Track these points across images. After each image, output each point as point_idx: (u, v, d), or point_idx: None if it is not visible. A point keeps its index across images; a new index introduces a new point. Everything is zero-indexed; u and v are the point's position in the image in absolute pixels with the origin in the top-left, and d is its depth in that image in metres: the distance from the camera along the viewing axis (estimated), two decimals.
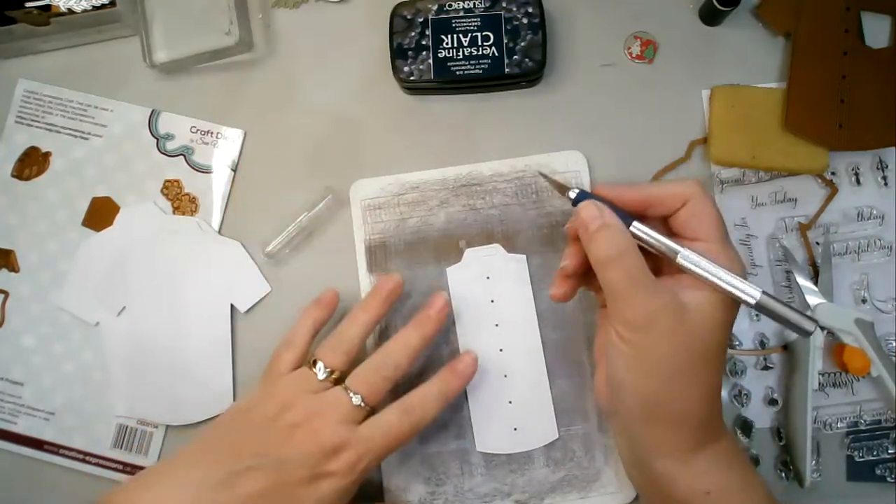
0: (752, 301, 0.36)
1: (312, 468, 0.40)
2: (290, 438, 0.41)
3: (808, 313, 0.47)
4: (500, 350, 0.48)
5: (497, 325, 0.49)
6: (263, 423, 0.42)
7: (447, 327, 0.49)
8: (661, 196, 0.39)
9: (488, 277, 0.49)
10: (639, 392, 0.38)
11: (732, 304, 0.38)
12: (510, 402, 0.48)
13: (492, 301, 0.49)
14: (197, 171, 0.52)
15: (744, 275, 0.37)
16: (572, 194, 0.40)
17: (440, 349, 0.49)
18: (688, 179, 0.40)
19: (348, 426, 0.42)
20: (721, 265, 0.37)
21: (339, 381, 0.44)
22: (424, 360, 0.49)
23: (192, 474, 0.40)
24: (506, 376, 0.48)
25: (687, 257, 0.37)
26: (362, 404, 0.42)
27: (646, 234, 0.38)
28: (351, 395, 0.42)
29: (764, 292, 0.36)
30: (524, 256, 0.49)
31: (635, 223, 0.39)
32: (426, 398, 0.44)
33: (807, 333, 0.36)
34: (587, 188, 0.49)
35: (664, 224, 0.41)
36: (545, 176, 0.43)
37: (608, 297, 0.38)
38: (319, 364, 0.43)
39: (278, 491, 0.40)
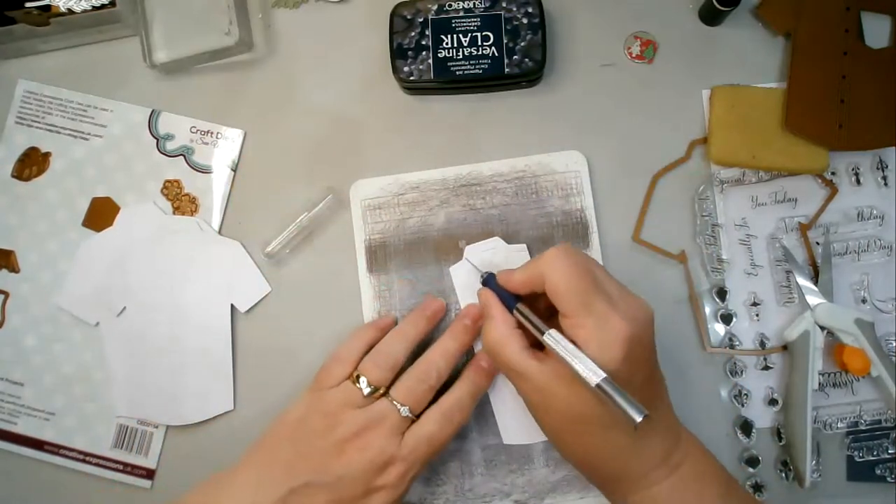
0: (591, 384, 0.36)
1: (366, 484, 0.41)
2: (342, 454, 0.42)
3: (808, 313, 0.48)
4: None
5: None
6: (314, 438, 0.42)
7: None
8: (530, 279, 0.41)
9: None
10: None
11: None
12: None
13: (486, 272, 0.49)
14: (197, 171, 0.52)
15: (615, 336, 0.37)
16: (481, 279, 0.46)
17: None
18: (546, 253, 0.40)
19: (395, 438, 0.42)
20: (576, 343, 0.38)
21: (382, 395, 0.44)
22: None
23: (251, 491, 0.41)
24: None
25: (549, 338, 0.39)
26: (409, 415, 0.43)
27: (523, 317, 0.41)
28: (398, 406, 0.43)
29: (605, 379, 0.36)
30: (524, 245, 0.49)
31: (518, 306, 0.42)
32: (462, 401, 0.45)
33: (633, 421, 0.35)
34: (587, 189, 0.50)
35: None
36: (471, 262, 0.49)
37: None
38: (363, 379, 0.44)
39: None
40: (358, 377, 0.44)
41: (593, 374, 0.36)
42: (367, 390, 0.43)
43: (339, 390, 0.44)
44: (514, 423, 0.48)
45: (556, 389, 0.39)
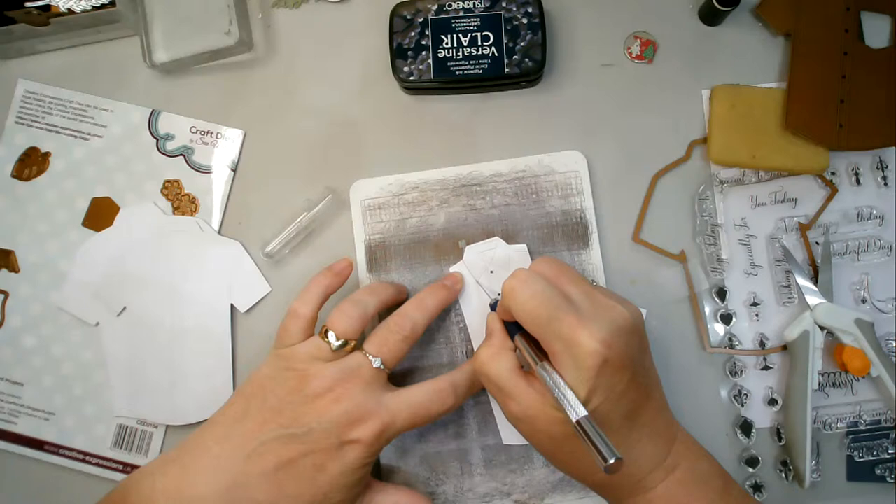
0: (573, 419, 0.36)
1: (339, 436, 0.40)
2: (315, 407, 0.41)
3: (808, 313, 0.48)
4: None
5: None
6: (285, 393, 0.41)
7: (451, 327, 0.49)
8: (507, 312, 0.41)
9: (492, 272, 0.49)
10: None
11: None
12: None
13: (498, 294, 0.49)
14: (197, 171, 0.52)
15: (582, 356, 0.37)
16: (491, 302, 0.47)
17: (440, 348, 0.49)
18: (504, 285, 0.40)
19: (373, 393, 0.42)
20: (561, 374, 0.37)
21: (353, 349, 0.43)
22: (425, 359, 0.49)
23: (222, 449, 0.41)
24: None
25: (541, 370, 0.39)
26: (382, 367, 0.42)
27: (520, 345, 0.41)
28: (371, 358, 0.42)
29: (584, 417, 0.36)
30: (524, 246, 0.49)
31: (517, 336, 0.41)
32: (458, 386, 0.44)
33: (604, 462, 0.34)
34: (587, 189, 0.50)
35: None
36: (481, 285, 0.49)
37: None
38: (331, 333, 0.43)
39: (306, 459, 0.40)
40: (326, 332, 0.43)
41: (573, 412, 0.36)
42: (336, 344, 0.42)
43: (306, 345, 0.43)
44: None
45: (543, 411, 0.38)
